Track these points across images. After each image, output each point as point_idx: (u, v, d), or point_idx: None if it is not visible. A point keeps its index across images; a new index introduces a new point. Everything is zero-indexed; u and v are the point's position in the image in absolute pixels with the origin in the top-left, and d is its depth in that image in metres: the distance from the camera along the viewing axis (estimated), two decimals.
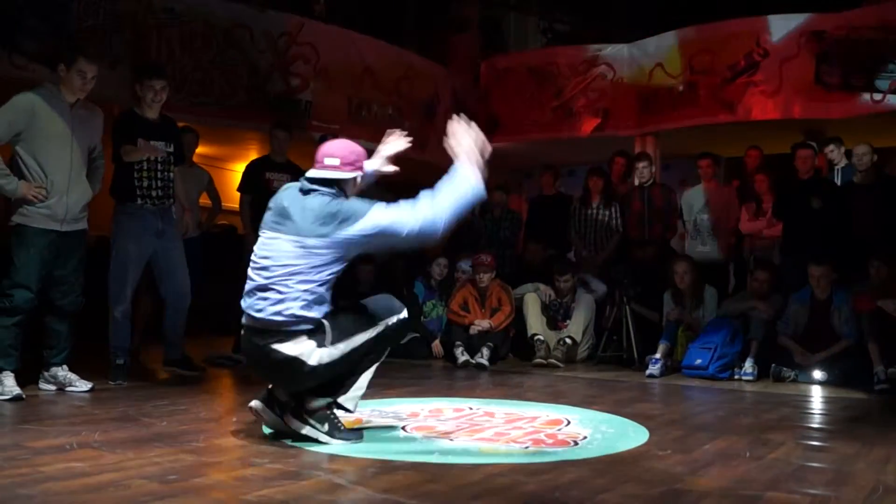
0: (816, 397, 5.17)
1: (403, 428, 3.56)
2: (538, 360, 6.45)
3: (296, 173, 6.83)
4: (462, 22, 10.33)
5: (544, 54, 9.63)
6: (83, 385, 4.54)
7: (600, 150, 8.35)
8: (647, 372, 5.98)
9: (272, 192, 6.77)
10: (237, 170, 9.08)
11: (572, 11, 11.37)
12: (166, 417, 3.80)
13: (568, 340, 6.64)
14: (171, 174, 5.25)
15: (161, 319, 5.44)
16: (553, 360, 6.41)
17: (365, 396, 3.97)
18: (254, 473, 2.68)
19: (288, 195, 3.34)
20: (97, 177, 4.76)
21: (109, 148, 5.00)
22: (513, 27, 11.89)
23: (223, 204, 7.36)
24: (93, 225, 4.81)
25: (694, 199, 7.35)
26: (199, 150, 7.19)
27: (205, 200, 7.02)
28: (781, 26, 7.91)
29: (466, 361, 6.41)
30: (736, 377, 5.85)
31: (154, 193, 5.12)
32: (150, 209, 5.11)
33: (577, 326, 6.73)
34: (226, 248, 8.20)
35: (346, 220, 3.09)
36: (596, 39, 9.47)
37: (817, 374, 5.71)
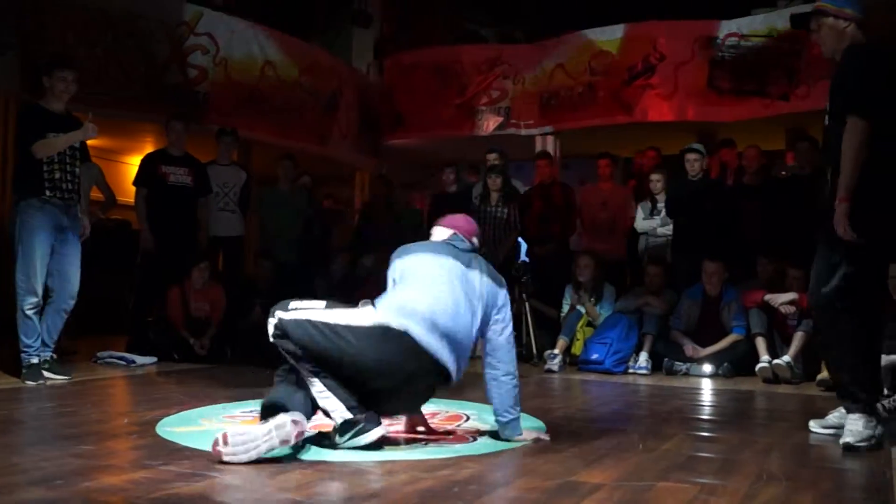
0: (706, 390, 5.36)
1: None
2: None
3: (194, 167, 6.69)
4: (364, 17, 10.28)
5: (448, 52, 9.66)
6: None
7: (505, 148, 8.43)
8: (546, 367, 6.09)
9: (168, 185, 6.69)
10: (132, 163, 8.82)
11: (477, 10, 11.46)
12: (53, 419, 3.66)
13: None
14: (78, 170, 5.10)
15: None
16: None
17: (263, 395, 3.92)
18: (146, 476, 2.60)
19: None
20: None
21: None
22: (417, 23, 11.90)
23: (118, 198, 7.14)
24: None
25: (592, 198, 7.50)
26: (93, 142, 6.94)
27: (96, 194, 6.79)
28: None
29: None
30: (631, 371, 6.02)
31: (64, 186, 4.98)
32: (57, 203, 4.95)
33: None
34: (119, 243, 7.95)
35: None
36: (499, 39, 9.58)
37: (707, 368, 5.92)
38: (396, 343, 2.98)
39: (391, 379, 3.02)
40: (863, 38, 3.46)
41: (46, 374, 5.00)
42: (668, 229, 7.06)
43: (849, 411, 3.34)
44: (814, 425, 3.65)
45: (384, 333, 2.98)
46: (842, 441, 3.24)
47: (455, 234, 3.43)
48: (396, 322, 3.00)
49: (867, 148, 3.25)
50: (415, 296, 3.09)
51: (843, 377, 3.40)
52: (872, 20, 3.57)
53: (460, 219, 3.58)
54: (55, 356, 5.16)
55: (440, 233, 3.48)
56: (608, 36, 8.38)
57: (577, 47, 8.68)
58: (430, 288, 3.11)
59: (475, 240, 3.48)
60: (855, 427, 3.25)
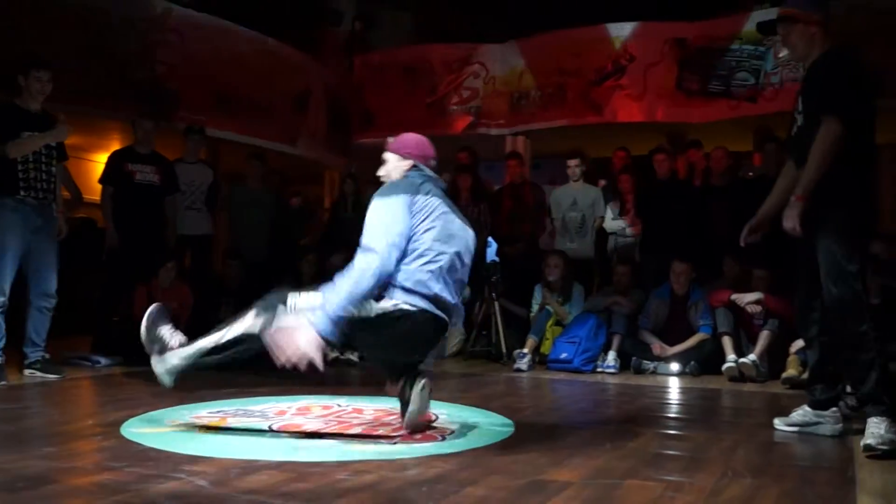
0: (674, 388, 5.40)
1: (269, 427, 3.50)
2: None
3: (161, 165, 6.62)
4: (336, 15, 10.24)
5: (418, 51, 9.64)
6: None
7: (475, 148, 8.44)
8: (515, 366, 6.11)
9: (134, 184, 6.63)
10: (98, 160, 8.73)
11: (447, 9, 11.44)
12: (16, 421, 3.60)
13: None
14: (54, 169, 5.11)
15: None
16: None
17: (230, 396, 3.89)
18: (110, 478, 2.57)
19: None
20: None
21: None
22: (388, 23, 11.87)
23: (84, 196, 7.05)
24: None
25: (562, 198, 7.53)
26: None
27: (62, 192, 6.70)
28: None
29: (336, 358, 6.37)
30: (599, 370, 6.05)
31: (39, 186, 4.99)
32: (31, 203, 4.96)
33: None
34: (84, 242, 7.85)
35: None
36: (470, 38, 9.57)
37: (674, 366, 5.97)
38: (424, 324, 3.14)
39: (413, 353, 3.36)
40: (830, 42, 3.52)
41: (39, 374, 5.04)
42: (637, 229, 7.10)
43: (870, 414, 3.24)
44: (778, 423, 3.69)
45: (409, 316, 3.09)
46: (863, 442, 3.15)
47: (415, 166, 3.36)
48: (428, 306, 3.12)
49: (836, 150, 3.29)
50: (442, 276, 3.16)
51: (869, 378, 3.26)
52: (833, 26, 3.63)
53: (412, 144, 3.43)
54: (47, 356, 5.17)
55: (396, 164, 3.38)
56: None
57: (548, 47, 8.69)
58: (454, 258, 3.21)
59: (433, 162, 3.43)
60: (877, 430, 3.15)
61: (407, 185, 3.23)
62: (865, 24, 6.79)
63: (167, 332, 3.32)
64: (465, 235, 3.32)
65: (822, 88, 3.40)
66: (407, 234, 3.12)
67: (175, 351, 3.26)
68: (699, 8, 8.17)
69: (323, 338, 2.95)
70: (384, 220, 3.10)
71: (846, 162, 3.33)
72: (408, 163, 3.36)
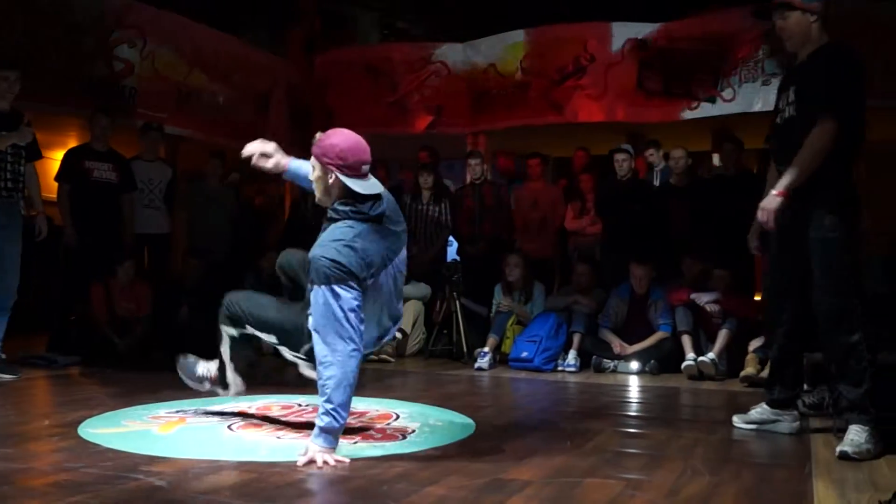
0: (633, 387, 5.45)
1: (229, 427, 3.47)
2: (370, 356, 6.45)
3: (118, 162, 6.53)
4: (300, 14, 10.16)
5: (380, 50, 9.60)
6: None
7: (436, 147, 8.45)
8: (476, 365, 6.12)
9: (92, 181, 6.53)
10: (56, 158, 8.61)
11: (410, 8, 11.42)
12: None
13: (398, 334, 6.67)
14: (23, 168, 5.07)
15: None
16: (384, 356, 6.42)
17: (189, 395, 3.87)
18: (68, 479, 2.53)
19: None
20: None
21: None
22: (351, 21, 11.81)
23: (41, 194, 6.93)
24: None
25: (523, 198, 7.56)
26: None
27: None
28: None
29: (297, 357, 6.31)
30: (560, 368, 6.08)
31: (2, 185, 4.94)
32: None
33: (407, 319, 6.76)
34: (39, 241, 7.73)
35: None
36: (432, 37, 9.56)
37: (634, 365, 6.02)
38: None
39: None
40: (827, 35, 3.45)
41: None
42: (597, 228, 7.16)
43: (852, 422, 3.21)
44: (737, 421, 3.74)
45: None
46: (839, 448, 3.13)
47: (349, 196, 3.00)
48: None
49: (827, 151, 3.25)
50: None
51: (859, 387, 3.23)
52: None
53: (336, 152, 2.95)
54: (3, 355, 5.10)
55: (320, 175, 3.03)
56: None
57: (509, 46, 8.69)
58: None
59: (365, 168, 2.99)
60: (857, 438, 3.14)
61: (354, 271, 2.91)
62: (851, 24, 6.80)
63: (203, 369, 3.62)
64: (397, 277, 3.20)
65: (823, 86, 3.30)
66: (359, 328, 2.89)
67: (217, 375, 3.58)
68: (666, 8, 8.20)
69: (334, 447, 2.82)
70: (336, 327, 2.83)
71: (842, 164, 3.30)
72: (332, 178, 2.98)
